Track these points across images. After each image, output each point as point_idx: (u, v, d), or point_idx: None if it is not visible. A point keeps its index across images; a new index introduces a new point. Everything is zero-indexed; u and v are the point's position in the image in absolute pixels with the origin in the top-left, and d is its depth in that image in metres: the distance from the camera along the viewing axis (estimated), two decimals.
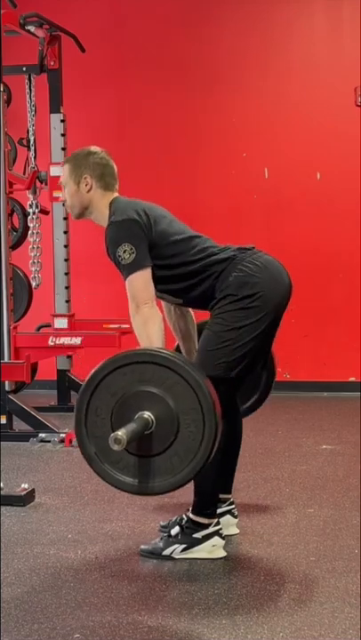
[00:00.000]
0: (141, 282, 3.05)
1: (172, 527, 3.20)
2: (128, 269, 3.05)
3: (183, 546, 3.13)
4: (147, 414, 2.68)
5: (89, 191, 3.21)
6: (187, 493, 3.18)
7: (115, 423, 2.70)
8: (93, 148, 3.30)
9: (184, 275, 3.13)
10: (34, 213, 5.92)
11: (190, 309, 3.44)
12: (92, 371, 2.75)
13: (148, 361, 2.71)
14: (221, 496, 3.30)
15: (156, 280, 3.09)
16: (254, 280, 3.07)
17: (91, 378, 2.74)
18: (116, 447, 2.57)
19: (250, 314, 3.05)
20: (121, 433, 2.57)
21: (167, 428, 2.68)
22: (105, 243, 3.14)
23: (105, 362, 2.74)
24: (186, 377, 2.67)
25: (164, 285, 3.14)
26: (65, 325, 6.06)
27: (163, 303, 3.37)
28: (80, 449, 2.77)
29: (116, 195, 3.25)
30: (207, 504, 3.16)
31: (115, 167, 3.29)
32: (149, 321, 3.01)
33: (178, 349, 3.48)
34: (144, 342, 3.00)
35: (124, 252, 3.05)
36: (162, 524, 3.42)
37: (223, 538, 3.17)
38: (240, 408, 3.46)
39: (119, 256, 3.05)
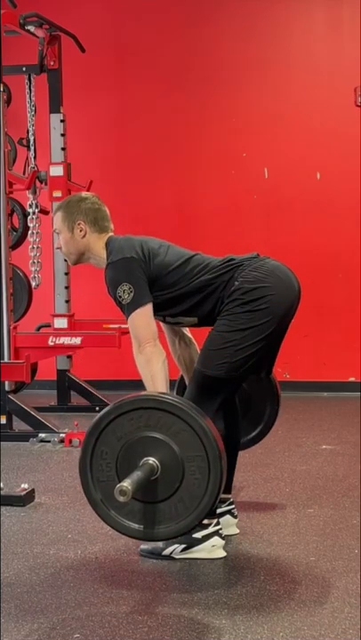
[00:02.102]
0: (142, 320, 3.06)
1: None
2: (128, 309, 3.07)
3: (183, 546, 3.13)
4: (152, 460, 2.70)
5: (84, 237, 3.23)
6: None
7: (120, 468, 2.72)
8: (84, 195, 3.34)
9: (191, 292, 3.14)
10: (34, 213, 5.92)
11: (193, 340, 3.45)
12: (99, 414, 2.77)
13: (155, 407, 2.72)
14: (222, 496, 3.28)
15: (168, 308, 3.12)
16: (260, 284, 3.07)
17: (97, 421, 2.76)
18: (121, 499, 2.58)
19: (256, 317, 3.05)
20: (126, 484, 2.58)
21: (172, 475, 2.69)
22: (105, 283, 3.16)
23: (111, 406, 2.76)
24: (192, 424, 2.68)
25: (176, 309, 3.16)
26: (65, 325, 6.06)
27: (167, 336, 3.40)
28: (85, 494, 2.78)
29: (110, 234, 3.26)
30: None
31: (107, 210, 3.31)
32: (153, 360, 3.03)
33: (182, 379, 3.49)
34: (147, 382, 3.02)
35: (124, 291, 3.07)
36: None
37: (223, 538, 3.17)
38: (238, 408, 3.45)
39: (119, 296, 3.08)
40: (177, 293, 3.14)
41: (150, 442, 2.71)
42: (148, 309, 3.08)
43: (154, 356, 3.03)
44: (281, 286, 3.11)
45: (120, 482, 2.61)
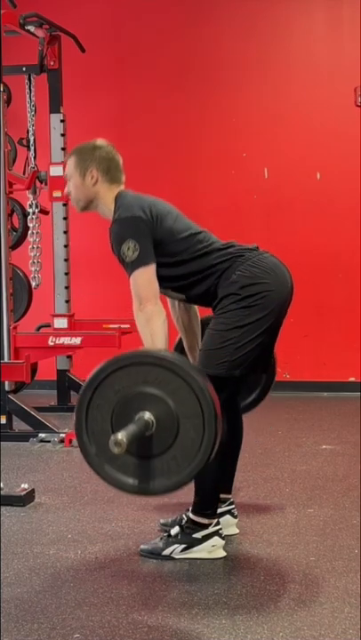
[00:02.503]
0: (145, 279, 3.04)
1: (172, 527, 3.21)
2: (132, 266, 3.04)
3: (183, 546, 3.13)
4: (147, 415, 2.68)
5: (95, 185, 3.19)
6: (187, 493, 3.18)
7: (115, 421, 2.69)
8: (99, 142, 3.28)
9: (188, 272, 3.13)
10: (34, 213, 5.92)
11: (194, 305, 3.43)
12: (97, 367, 2.74)
13: (154, 363, 2.70)
14: (222, 496, 3.30)
15: (160, 277, 3.09)
16: (259, 280, 3.07)
17: (95, 374, 2.73)
18: (116, 450, 2.57)
19: (253, 312, 3.05)
20: (121, 436, 2.57)
21: (167, 431, 2.68)
22: (109, 239, 3.14)
23: (110, 360, 2.74)
24: (190, 382, 2.66)
25: (168, 282, 3.14)
26: (65, 325, 6.06)
27: (167, 297, 3.37)
28: (79, 445, 2.76)
29: (122, 188, 3.23)
30: (207, 504, 3.16)
31: (120, 160, 3.26)
32: (153, 319, 3.00)
33: (180, 343, 3.48)
34: (147, 340, 2.99)
35: (128, 248, 3.03)
36: (162, 521, 3.43)
37: (223, 538, 3.17)
38: (240, 407, 3.45)
39: (123, 253, 3.04)
40: (174, 270, 3.11)
41: (147, 397, 2.68)
42: (151, 269, 3.05)
43: (154, 314, 3.00)
44: (277, 283, 3.11)
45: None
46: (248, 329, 3.04)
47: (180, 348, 3.47)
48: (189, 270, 3.13)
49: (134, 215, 3.08)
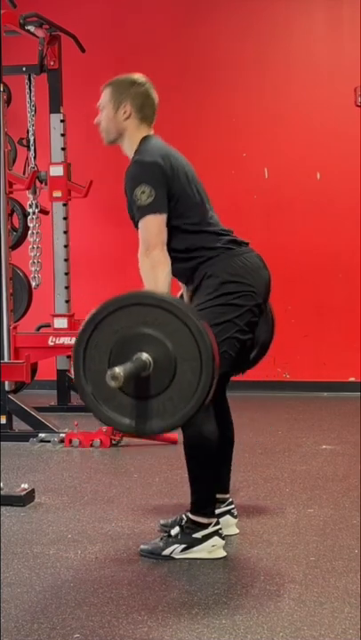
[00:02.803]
0: (155, 225, 3.02)
1: (172, 527, 3.21)
2: (143, 211, 3.02)
3: (183, 546, 3.13)
4: (145, 356, 2.68)
5: (126, 119, 3.19)
6: (187, 493, 3.18)
7: (113, 361, 2.69)
8: (138, 77, 3.28)
9: (176, 247, 3.11)
10: (34, 213, 5.92)
11: None
12: (98, 306, 2.74)
13: (154, 304, 2.70)
14: (219, 496, 3.30)
15: None
16: (239, 279, 3.08)
17: (96, 312, 2.74)
18: (112, 384, 2.57)
19: (229, 310, 3.06)
20: (118, 370, 2.58)
21: (164, 373, 2.68)
22: (124, 179, 3.11)
23: (112, 299, 2.74)
24: (189, 325, 2.66)
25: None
26: (65, 325, 6.06)
27: None
28: (76, 384, 2.76)
29: (151, 132, 3.22)
30: (205, 503, 3.16)
31: (156, 100, 3.26)
32: (158, 266, 3.00)
33: (182, 297, 3.48)
34: (150, 285, 2.98)
35: (142, 192, 3.02)
36: (162, 522, 3.42)
37: (223, 538, 3.17)
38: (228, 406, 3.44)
39: (136, 196, 3.02)
40: (170, 235, 3.09)
41: (146, 338, 2.68)
42: (163, 218, 3.04)
43: (160, 262, 3.00)
44: (256, 284, 3.12)
45: None
46: (225, 326, 3.04)
47: None
48: (178, 246, 3.09)
49: (156, 161, 3.07)
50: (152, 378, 2.68)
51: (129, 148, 3.19)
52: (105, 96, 3.25)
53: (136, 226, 3.11)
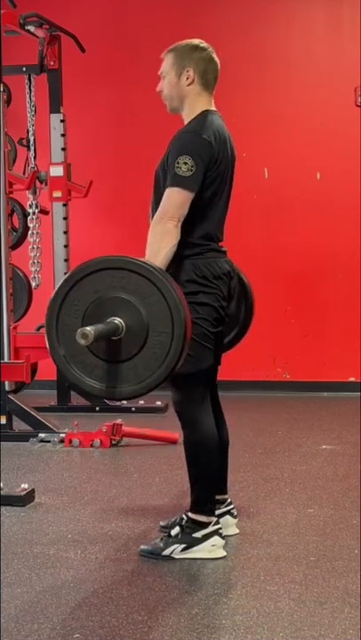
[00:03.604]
0: (181, 199, 3.00)
1: (172, 527, 3.21)
2: (177, 181, 3.00)
3: (183, 546, 3.13)
4: (118, 320, 2.71)
5: (189, 85, 3.17)
6: (187, 494, 3.18)
7: (87, 320, 2.73)
8: (199, 42, 3.25)
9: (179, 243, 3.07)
10: (34, 213, 5.92)
11: None
12: (84, 263, 2.76)
13: (139, 272, 2.72)
14: (217, 497, 3.29)
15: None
16: (203, 281, 3.07)
17: (80, 268, 2.76)
18: (82, 342, 2.60)
19: (198, 310, 3.05)
20: (89, 328, 2.60)
21: (134, 341, 2.71)
22: (171, 141, 3.09)
23: (99, 258, 2.76)
24: (168, 299, 2.69)
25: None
26: None
27: None
28: (48, 345, 2.79)
29: (212, 104, 3.19)
30: (205, 501, 3.16)
31: (218, 65, 3.24)
32: (167, 236, 2.98)
33: None
34: (152, 252, 2.96)
35: (185, 163, 3.00)
36: (162, 524, 3.42)
37: (223, 538, 3.17)
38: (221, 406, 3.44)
39: (178, 164, 3.00)
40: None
41: (123, 304, 2.72)
42: (190, 196, 3.01)
43: (170, 234, 2.98)
44: (221, 288, 3.12)
45: None
46: (199, 323, 3.04)
47: None
48: (180, 243, 3.06)
49: (210, 141, 3.05)
50: (123, 342, 2.72)
51: (189, 114, 3.16)
52: (167, 62, 3.21)
53: (158, 186, 3.09)
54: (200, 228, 3.11)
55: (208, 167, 3.05)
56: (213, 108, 3.22)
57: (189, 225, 3.07)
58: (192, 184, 3.01)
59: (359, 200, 6.75)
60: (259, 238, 6.81)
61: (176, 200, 3.00)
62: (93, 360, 2.75)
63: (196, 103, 3.17)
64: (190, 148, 3.02)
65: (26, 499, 3.85)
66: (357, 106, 6.75)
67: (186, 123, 3.16)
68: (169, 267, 3.00)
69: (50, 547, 3.30)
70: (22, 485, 3.92)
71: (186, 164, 3.00)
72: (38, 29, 5.80)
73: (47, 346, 2.81)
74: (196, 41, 3.26)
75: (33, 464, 4.68)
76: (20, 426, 5.27)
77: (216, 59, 3.24)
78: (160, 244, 2.97)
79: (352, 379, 6.84)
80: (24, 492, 3.85)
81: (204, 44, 3.25)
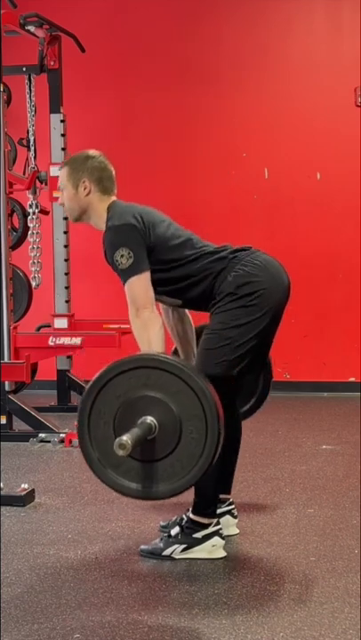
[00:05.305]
0: (140, 286, 3.05)
1: (172, 527, 3.21)
2: (126, 274, 3.06)
3: (183, 546, 3.13)
4: (150, 419, 2.67)
5: (87, 195, 3.21)
6: (187, 493, 3.18)
7: (117, 427, 2.69)
8: (92, 152, 3.30)
9: (183, 275, 3.14)
10: (34, 213, 5.92)
11: (188, 313, 3.44)
12: (98, 372, 2.74)
13: (155, 367, 2.70)
14: (221, 496, 3.30)
15: (155, 282, 3.09)
16: (254, 279, 3.08)
17: (96, 379, 2.73)
18: (121, 452, 2.56)
19: (250, 311, 3.05)
20: (126, 438, 2.57)
21: (170, 435, 2.68)
22: (103, 247, 3.15)
23: (111, 364, 2.74)
24: (192, 385, 2.66)
25: (163, 287, 3.15)
26: (65, 325, 6.06)
27: (161, 306, 3.36)
28: (82, 451, 2.76)
29: (114, 199, 3.25)
30: (208, 504, 3.16)
31: (113, 171, 3.29)
32: (149, 325, 3.01)
33: (176, 352, 3.49)
34: (144, 346, 3.00)
35: (122, 256, 3.05)
36: (162, 524, 3.42)
37: (223, 538, 3.17)
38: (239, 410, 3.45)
39: (117, 260, 3.06)
40: (169, 274, 3.13)
41: (149, 401, 2.68)
42: (146, 276, 3.06)
43: (151, 321, 3.01)
44: (272, 281, 3.12)
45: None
46: (246, 328, 3.04)
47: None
48: (185, 273, 3.13)
49: (128, 223, 3.09)
50: (158, 441, 2.68)
51: (98, 221, 3.21)
52: (62, 176, 3.26)
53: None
54: (181, 250, 3.14)
55: (144, 239, 3.09)
56: (115, 199, 3.25)
57: (190, 262, 3.12)
58: (140, 266, 3.05)
59: (359, 200, 6.75)
60: (259, 238, 6.78)
61: (137, 289, 3.05)
62: (132, 463, 2.71)
63: (100, 208, 3.21)
64: (119, 241, 3.07)
65: (26, 499, 3.85)
66: (357, 106, 6.75)
67: (99, 228, 3.21)
68: (217, 288, 3.06)
69: (50, 547, 3.31)
70: (22, 485, 3.93)
71: (123, 255, 3.05)
72: (38, 29, 5.80)
73: (82, 454, 2.76)
74: (89, 151, 3.30)
75: (33, 464, 4.68)
76: (20, 426, 5.27)
77: (109, 166, 3.28)
78: (148, 334, 3.00)
79: (352, 379, 6.84)
80: (24, 492, 3.85)
81: (95, 154, 3.29)
